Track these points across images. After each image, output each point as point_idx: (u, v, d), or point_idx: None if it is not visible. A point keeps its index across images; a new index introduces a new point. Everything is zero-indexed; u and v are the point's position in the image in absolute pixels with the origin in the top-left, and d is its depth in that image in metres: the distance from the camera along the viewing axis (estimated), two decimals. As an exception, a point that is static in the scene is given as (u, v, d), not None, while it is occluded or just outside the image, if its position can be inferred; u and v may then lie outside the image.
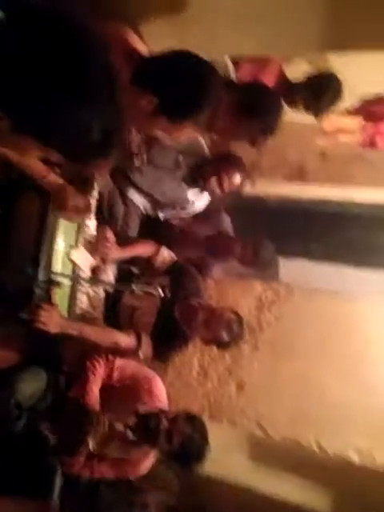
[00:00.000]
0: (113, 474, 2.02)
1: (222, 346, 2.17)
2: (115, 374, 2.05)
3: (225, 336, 2.06)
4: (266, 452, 2.69)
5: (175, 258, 2.21)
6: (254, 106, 1.77)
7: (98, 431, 1.83)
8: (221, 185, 2.30)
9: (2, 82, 0.71)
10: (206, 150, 2.40)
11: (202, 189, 2.39)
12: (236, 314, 2.15)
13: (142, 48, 1.47)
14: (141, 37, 1.54)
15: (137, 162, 2.15)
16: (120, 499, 2.16)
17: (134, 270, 2.20)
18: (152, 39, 1.58)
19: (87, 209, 1.81)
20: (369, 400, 2.52)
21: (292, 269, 3.04)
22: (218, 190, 2.35)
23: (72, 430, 1.87)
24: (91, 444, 1.84)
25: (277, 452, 2.66)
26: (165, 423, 1.87)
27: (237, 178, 2.32)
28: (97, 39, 0.79)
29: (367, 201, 2.90)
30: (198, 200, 2.44)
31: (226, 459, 2.57)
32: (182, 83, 1.28)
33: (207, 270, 2.60)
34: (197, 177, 2.32)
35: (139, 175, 2.29)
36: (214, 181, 2.28)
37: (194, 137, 2.23)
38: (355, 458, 2.45)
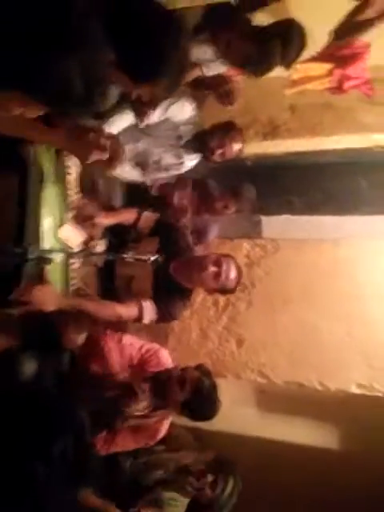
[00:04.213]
0: (133, 444, 2.07)
1: (226, 292, 2.17)
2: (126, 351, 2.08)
3: (230, 284, 2.06)
4: (271, 400, 2.80)
5: (157, 216, 2.18)
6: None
7: (142, 399, 1.85)
8: (224, 155, 2.38)
9: None
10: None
11: (206, 159, 2.44)
12: (231, 257, 2.13)
13: None
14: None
15: (142, 121, 2.11)
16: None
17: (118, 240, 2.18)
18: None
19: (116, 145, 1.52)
20: (361, 334, 2.64)
21: (276, 225, 3.09)
22: (220, 160, 2.43)
23: (109, 405, 1.87)
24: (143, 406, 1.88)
25: (281, 398, 2.77)
26: (176, 372, 1.96)
27: (238, 147, 2.40)
28: None
29: (339, 148, 2.95)
30: (191, 161, 2.48)
31: (234, 413, 2.67)
32: (141, 44, 1.05)
33: (204, 234, 2.63)
34: (201, 147, 2.38)
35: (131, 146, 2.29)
36: (219, 152, 2.36)
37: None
38: (356, 389, 2.57)
